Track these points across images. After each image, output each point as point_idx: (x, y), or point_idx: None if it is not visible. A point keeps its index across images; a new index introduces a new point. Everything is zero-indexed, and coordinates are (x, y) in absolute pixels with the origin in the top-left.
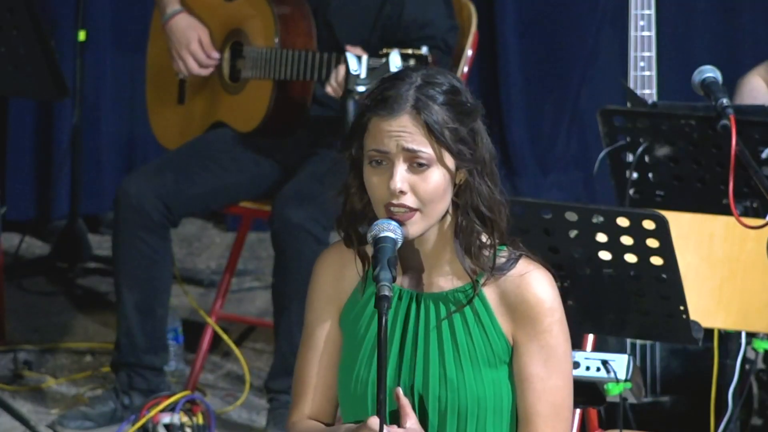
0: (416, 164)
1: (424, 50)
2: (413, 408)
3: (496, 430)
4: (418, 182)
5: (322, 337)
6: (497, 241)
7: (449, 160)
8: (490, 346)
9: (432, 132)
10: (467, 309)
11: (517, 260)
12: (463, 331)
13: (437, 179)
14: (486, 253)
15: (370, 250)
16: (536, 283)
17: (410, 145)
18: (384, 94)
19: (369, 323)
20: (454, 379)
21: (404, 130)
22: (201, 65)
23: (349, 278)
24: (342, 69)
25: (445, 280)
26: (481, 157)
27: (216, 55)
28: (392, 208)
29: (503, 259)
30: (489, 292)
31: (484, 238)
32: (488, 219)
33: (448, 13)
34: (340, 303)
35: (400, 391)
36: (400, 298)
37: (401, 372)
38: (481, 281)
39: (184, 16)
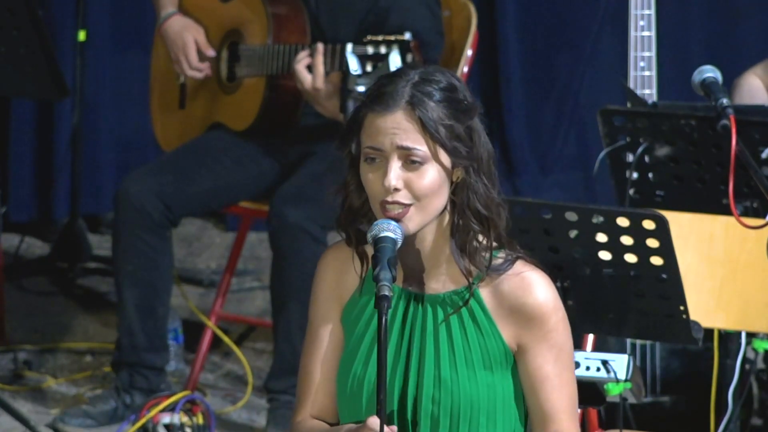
0: (410, 161)
1: (407, 36)
2: (405, 410)
3: (485, 430)
4: (413, 179)
5: (326, 335)
6: (494, 241)
7: (444, 157)
8: (486, 348)
9: (426, 128)
10: (464, 310)
11: (513, 262)
12: (459, 332)
13: (432, 176)
14: (483, 254)
15: (369, 249)
16: (536, 285)
17: (404, 143)
18: (380, 90)
19: (368, 322)
20: (448, 380)
21: (398, 127)
22: (192, 68)
23: (351, 277)
24: (320, 46)
25: (444, 281)
26: (478, 155)
27: (212, 52)
28: (387, 206)
29: (500, 260)
30: (486, 294)
31: (480, 238)
32: (485, 218)
33: (434, 27)
34: (343, 301)
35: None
36: (399, 297)
37: (396, 372)
38: (477, 283)
39: (177, 19)
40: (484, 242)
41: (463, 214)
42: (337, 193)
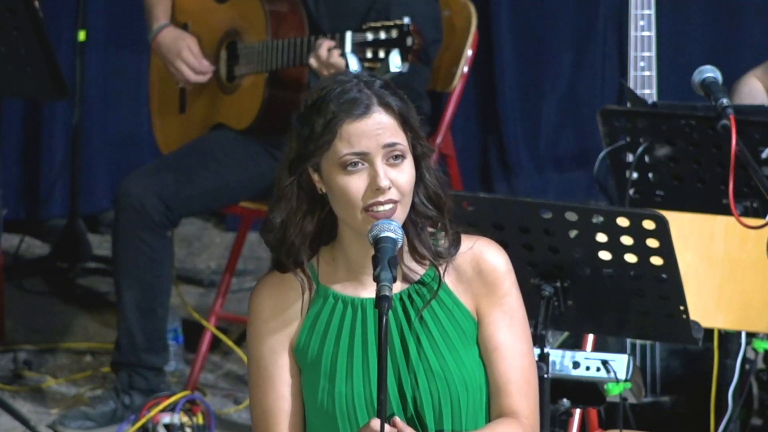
0: (393, 157)
1: (406, 20)
2: (407, 410)
3: (482, 406)
4: (397, 175)
5: (279, 368)
6: (448, 222)
7: (412, 149)
8: (460, 326)
9: (405, 121)
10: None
11: (458, 239)
12: (432, 320)
13: (410, 169)
14: (440, 238)
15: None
16: (487, 251)
17: (389, 140)
18: (344, 99)
19: (337, 338)
20: (439, 370)
21: (380, 126)
22: (196, 72)
23: (292, 304)
24: (326, 43)
25: (403, 276)
26: (427, 144)
27: (207, 63)
28: (378, 207)
29: (446, 241)
30: (445, 276)
31: (433, 224)
32: (442, 202)
33: (433, 25)
34: (290, 332)
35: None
36: (363, 310)
37: (388, 374)
38: (443, 263)
39: (169, 30)
40: (440, 227)
41: (420, 202)
42: (281, 225)
